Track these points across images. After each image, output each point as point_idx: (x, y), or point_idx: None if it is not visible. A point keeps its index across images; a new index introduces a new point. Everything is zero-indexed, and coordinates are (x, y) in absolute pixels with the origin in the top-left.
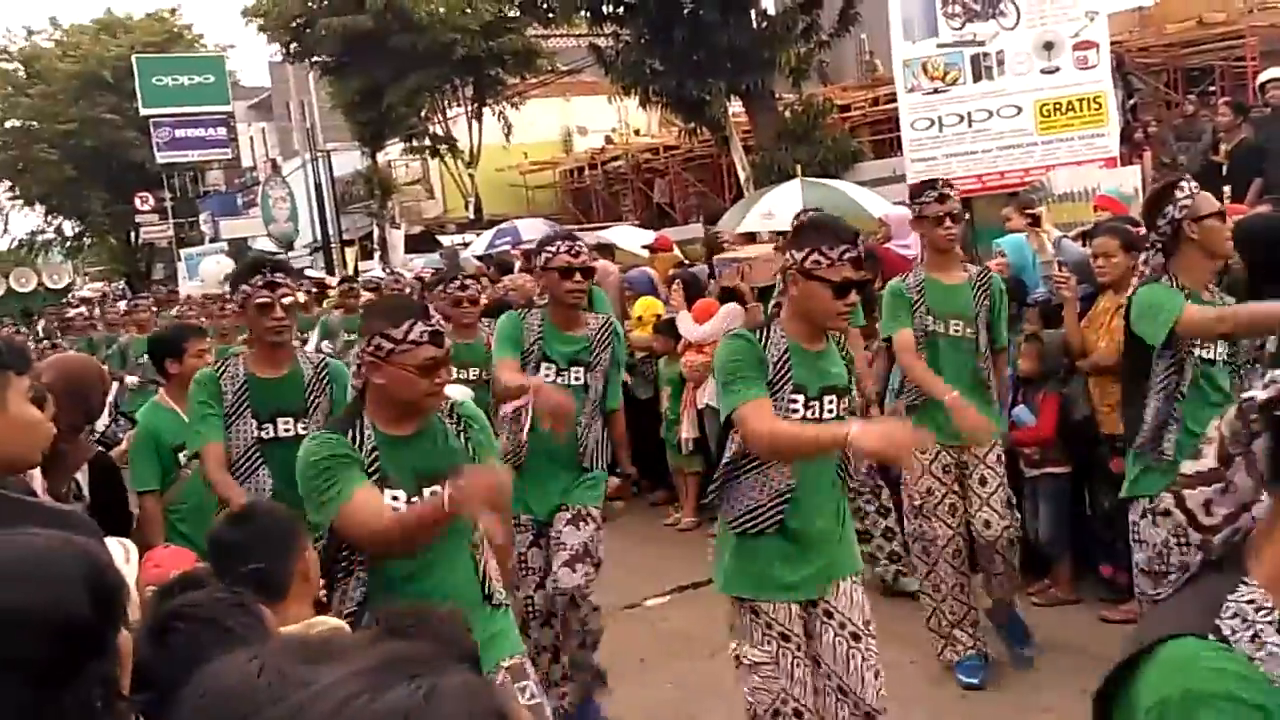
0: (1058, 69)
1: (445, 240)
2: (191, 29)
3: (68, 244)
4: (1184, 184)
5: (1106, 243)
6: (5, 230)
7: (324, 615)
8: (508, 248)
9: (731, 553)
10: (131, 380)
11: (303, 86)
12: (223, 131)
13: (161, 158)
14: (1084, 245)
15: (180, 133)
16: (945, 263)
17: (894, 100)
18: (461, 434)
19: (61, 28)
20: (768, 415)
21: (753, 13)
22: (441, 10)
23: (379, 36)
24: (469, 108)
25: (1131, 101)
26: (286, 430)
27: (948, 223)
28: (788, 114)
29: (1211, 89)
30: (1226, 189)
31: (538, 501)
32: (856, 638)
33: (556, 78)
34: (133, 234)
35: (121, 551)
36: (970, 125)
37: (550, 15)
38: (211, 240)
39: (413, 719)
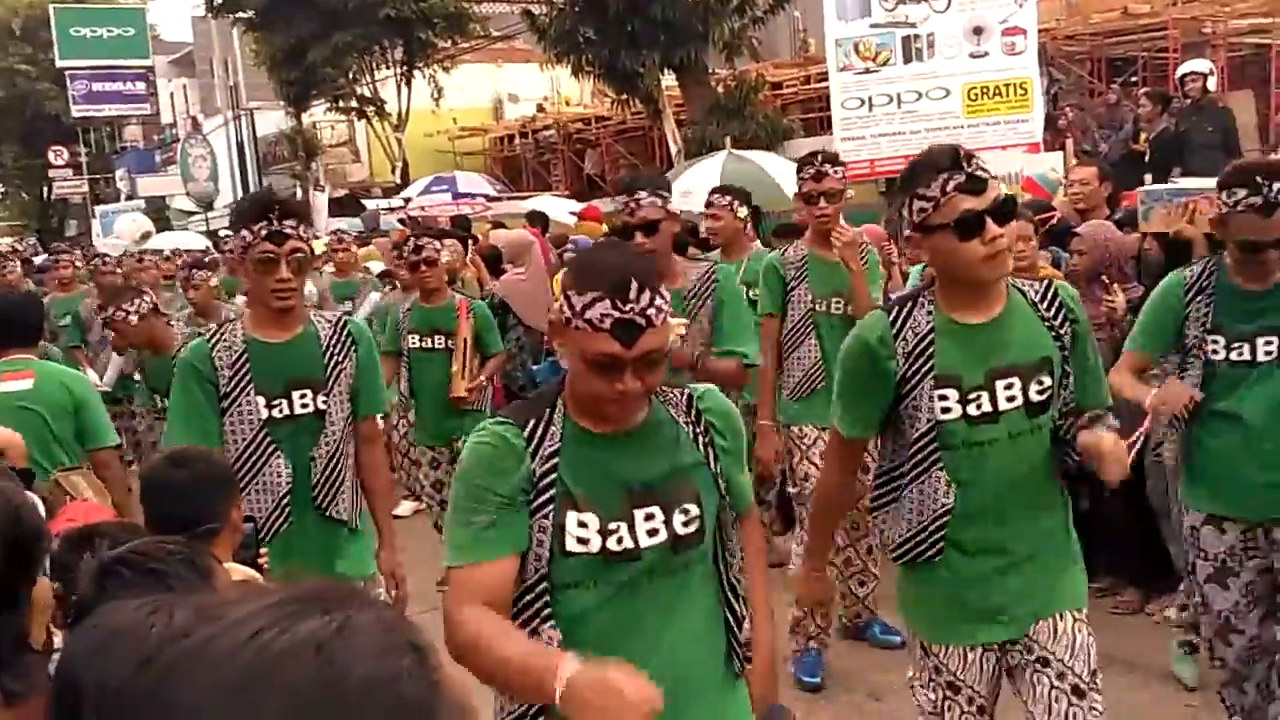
0: (986, 53)
1: (370, 204)
2: None
3: None
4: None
5: (1023, 226)
6: None
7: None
8: (445, 197)
9: (903, 576)
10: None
11: (226, 43)
12: (142, 86)
13: (77, 111)
14: None
15: (97, 86)
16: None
17: (826, 79)
18: (700, 437)
19: None
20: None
21: None
22: None
23: None
24: (398, 70)
25: (1051, 91)
26: (305, 406)
27: (821, 202)
28: (720, 89)
29: (1134, 79)
30: (1148, 177)
31: None
32: (1079, 693)
33: (488, 43)
34: (45, 189)
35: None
36: (899, 106)
37: None
38: (128, 197)
39: (325, 650)
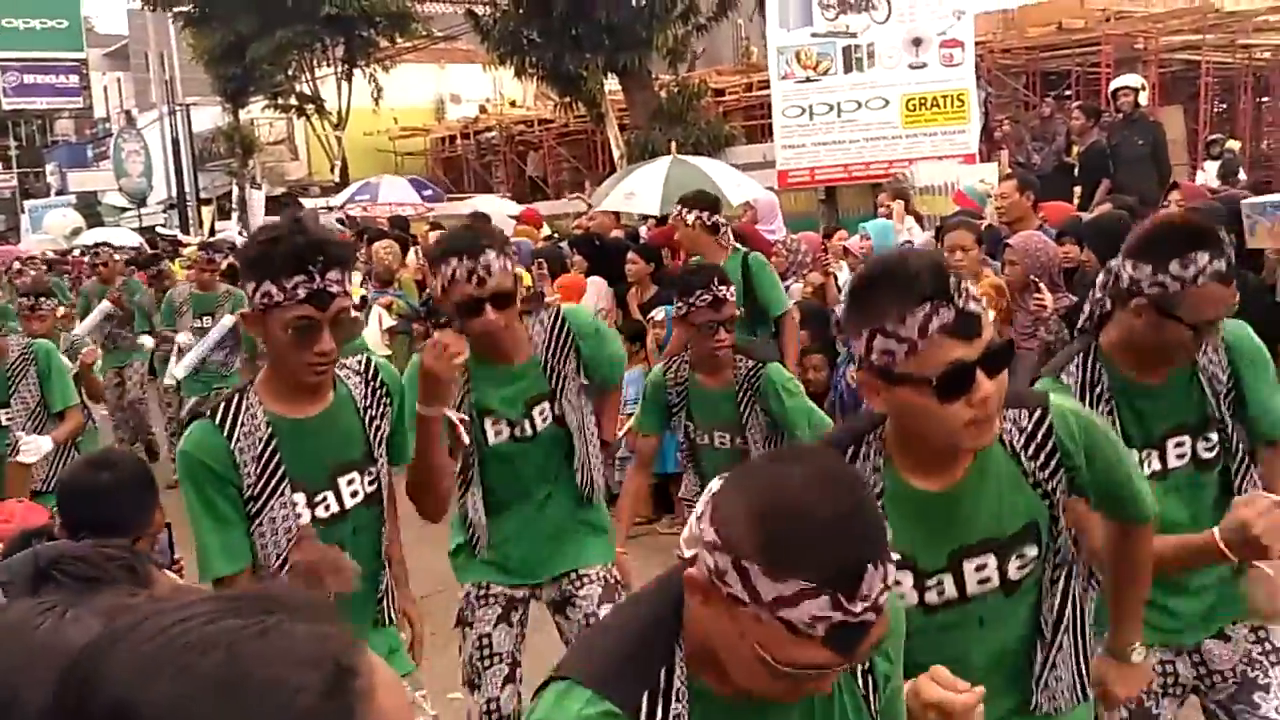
0: (925, 65)
1: (308, 203)
2: None
3: None
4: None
5: (960, 236)
6: None
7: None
8: (365, 206)
9: None
10: None
11: (162, 36)
12: (75, 79)
13: (7, 104)
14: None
15: (29, 78)
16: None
17: (767, 87)
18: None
19: None
20: None
21: None
22: None
23: None
24: (338, 68)
25: (983, 103)
26: (355, 495)
27: (721, 333)
28: (663, 94)
29: (1068, 93)
30: (1077, 189)
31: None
32: None
33: (431, 43)
34: None
35: None
36: (839, 115)
37: None
38: (58, 192)
39: (234, 648)
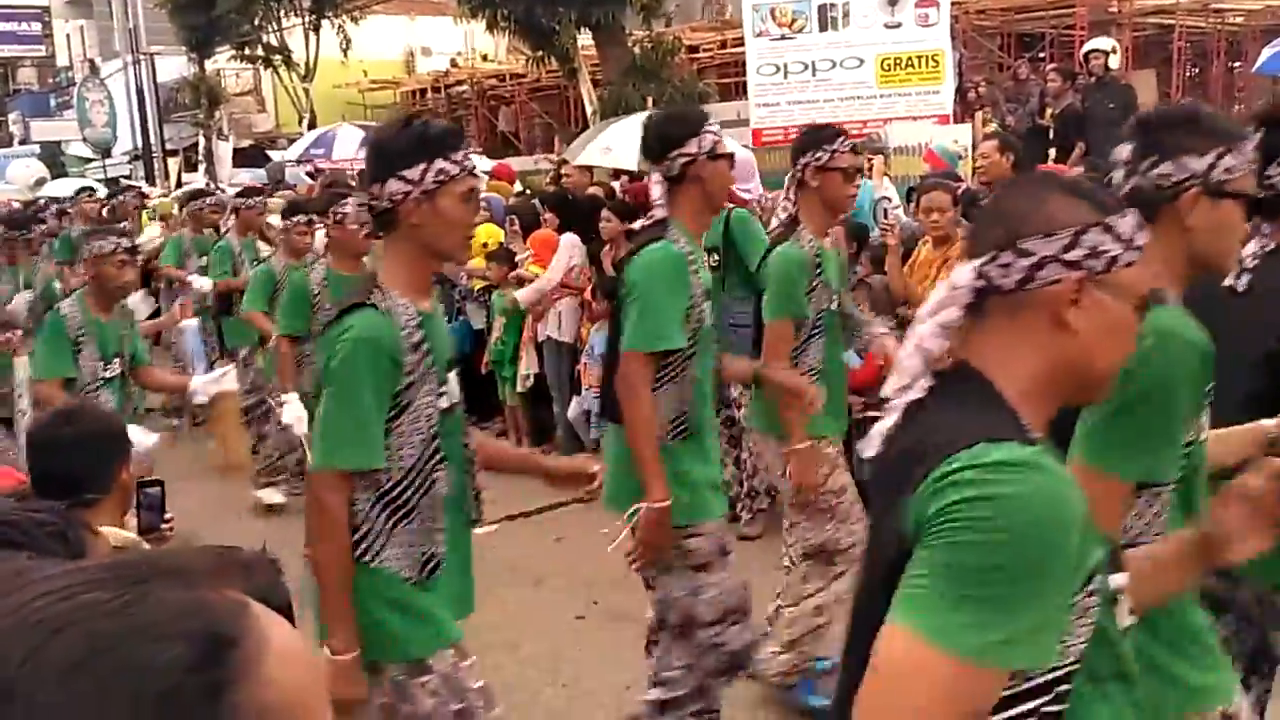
0: (900, 24)
1: (276, 156)
2: None
3: None
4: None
5: (938, 197)
6: None
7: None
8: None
9: None
10: None
11: None
12: (37, 27)
13: None
14: (910, 201)
15: None
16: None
17: (742, 44)
18: None
19: None
20: None
21: None
22: None
23: None
24: (306, 19)
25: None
26: (455, 394)
27: (858, 180)
28: (637, 50)
29: (1041, 55)
30: (1052, 151)
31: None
32: None
33: None
34: None
35: None
36: (814, 74)
37: None
38: (21, 142)
39: (89, 626)
